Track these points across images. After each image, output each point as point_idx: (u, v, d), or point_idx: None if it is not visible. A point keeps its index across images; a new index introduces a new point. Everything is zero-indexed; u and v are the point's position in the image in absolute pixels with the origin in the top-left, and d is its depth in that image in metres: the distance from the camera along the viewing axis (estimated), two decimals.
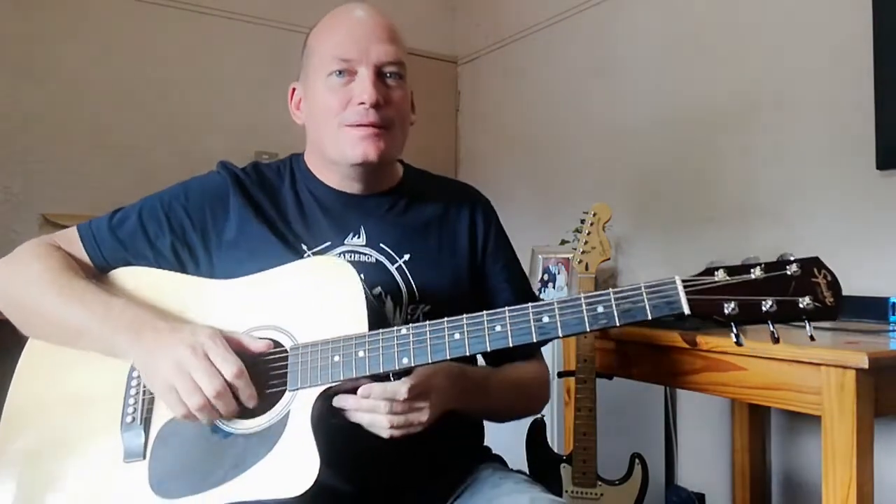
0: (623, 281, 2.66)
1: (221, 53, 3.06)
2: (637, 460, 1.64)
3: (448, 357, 0.84)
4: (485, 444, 1.19)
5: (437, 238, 1.11)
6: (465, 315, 0.85)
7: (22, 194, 2.62)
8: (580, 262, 1.64)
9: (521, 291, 1.16)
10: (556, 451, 1.69)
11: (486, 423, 1.18)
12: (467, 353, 0.84)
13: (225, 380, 0.85)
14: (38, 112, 2.67)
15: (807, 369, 1.26)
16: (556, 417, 2.11)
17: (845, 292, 1.81)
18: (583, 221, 1.68)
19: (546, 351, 1.23)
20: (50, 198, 2.64)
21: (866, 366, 1.14)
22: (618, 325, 0.80)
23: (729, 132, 2.30)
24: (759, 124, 2.21)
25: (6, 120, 2.61)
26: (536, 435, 1.68)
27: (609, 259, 1.68)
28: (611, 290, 0.81)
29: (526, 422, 1.64)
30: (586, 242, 1.64)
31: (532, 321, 0.82)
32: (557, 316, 0.82)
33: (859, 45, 1.91)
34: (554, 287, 2.52)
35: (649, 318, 0.79)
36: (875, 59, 1.86)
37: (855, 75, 1.92)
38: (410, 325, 0.86)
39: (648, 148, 2.60)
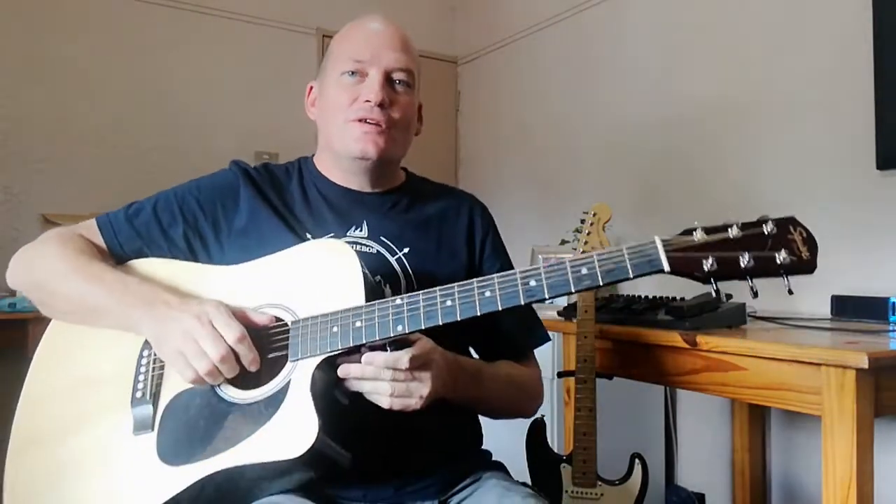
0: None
1: (221, 53, 3.06)
2: (637, 460, 1.63)
3: (440, 323, 0.87)
4: (484, 446, 1.19)
5: (436, 235, 1.16)
6: (455, 283, 0.88)
7: (22, 194, 2.63)
8: None
9: None
10: (556, 451, 1.69)
11: (485, 425, 1.18)
12: (458, 318, 0.86)
13: (228, 345, 0.89)
14: (38, 112, 2.68)
15: (807, 369, 1.26)
16: (556, 417, 2.11)
17: (845, 292, 1.80)
18: (583, 221, 1.68)
19: (546, 351, 1.24)
20: (50, 198, 2.65)
21: (866, 366, 1.14)
22: (601, 284, 0.83)
23: (729, 132, 2.30)
24: (759, 124, 2.21)
25: (6, 120, 2.61)
26: (536, 435, 1.68)
27: None
28: (594, 253, 0.84)
29: (526, 422, 1.64)
30: (586, 242, 1.64)
31: (520, 285, 0.85)
32: (544, 279, 0.84)
33: (859, 45, 1.91)
34: None
35: (631, 276, 0.82)
36: (875, 59, 1.86)
37: (855, 75, 1.92)
38: (405, 295, 0.90)
39: (648, 148, 2.60)
